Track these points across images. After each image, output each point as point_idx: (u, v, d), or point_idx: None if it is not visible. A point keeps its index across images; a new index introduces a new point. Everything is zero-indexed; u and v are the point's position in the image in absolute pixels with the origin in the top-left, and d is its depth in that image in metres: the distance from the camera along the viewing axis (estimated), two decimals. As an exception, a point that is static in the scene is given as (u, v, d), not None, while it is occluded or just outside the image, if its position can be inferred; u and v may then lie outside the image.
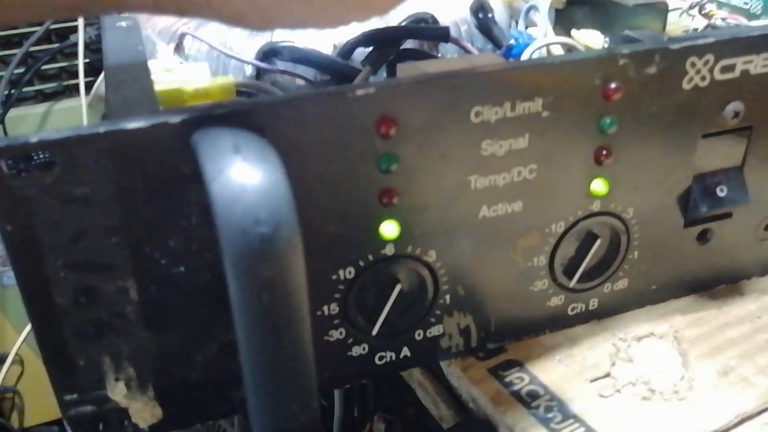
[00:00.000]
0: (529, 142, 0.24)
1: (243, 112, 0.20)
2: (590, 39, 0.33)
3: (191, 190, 0.21)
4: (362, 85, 0.21)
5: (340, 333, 0.25)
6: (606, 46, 0.31)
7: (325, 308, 0.24)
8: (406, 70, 0.27)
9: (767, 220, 0.30)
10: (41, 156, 0.19)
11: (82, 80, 0.72)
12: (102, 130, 0.19)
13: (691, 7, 0.33)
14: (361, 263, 0.24)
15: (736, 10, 0.33)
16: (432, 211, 0.24)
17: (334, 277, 0.24)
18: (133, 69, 0.25)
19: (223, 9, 0.20)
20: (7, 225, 0.19)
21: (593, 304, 0.28)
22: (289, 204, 0.18)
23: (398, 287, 0.25)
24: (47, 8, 0.21)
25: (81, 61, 0.72)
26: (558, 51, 0.32)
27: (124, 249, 0.21)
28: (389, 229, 0.24)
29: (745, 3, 0.33)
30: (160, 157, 0.20)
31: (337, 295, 0.24)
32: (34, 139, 0.19)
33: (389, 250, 0.24)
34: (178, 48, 0.32)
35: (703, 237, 0.29)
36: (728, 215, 0.29)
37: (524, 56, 0.31)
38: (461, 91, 0.22)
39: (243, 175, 0.18)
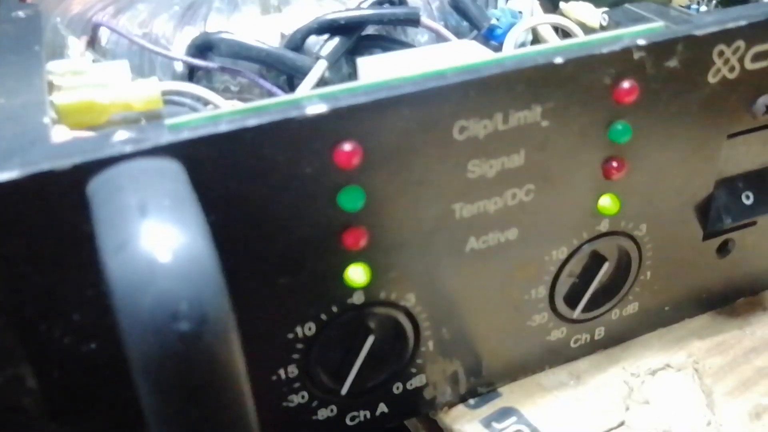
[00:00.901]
0: (526, 159, 0.19)
1: (159, 149, 0.15)
2: (585, 14, 0.28)
3: (95, 251, 0.16)
4: (314, 102, 0.16)
5: (302, 397, 0.21)
6: (604, 24, 0.26)
7: (282, 372, 0.20)
8: (369, 68, 0.22)
9: (793, 223, 0.26)
10: None
11: None
12: (-38, 186, 0.14)
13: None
14: (323, 317, 0.19)
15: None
16: (409, 249, 0.19)
17: (291, 335, 0.19)
18: (20, 81, 0.20)
19: None
20: None
21: (599, 333, 0.24)
22: (217, 283, 0.13)
23: (370, 339, 0.20)
24: None
25: None
26: (548, 32, 0.27)
27: (13, 331, 0.16)
28: (357, 274, 0.19)
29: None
30: (48, 215, 0.15)
31: (295, 356, 0.20)
32: None
33: (357, 299, 0.20)
34: (92, 42, 0.26)
35: (723, 249, 0.25)
36: (753, 223, 0.25)
37: (508, 40, 0.26)
38: (441, 103, 0.18)
39: (152, 248, 0.13)
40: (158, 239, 0.13)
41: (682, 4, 0.29)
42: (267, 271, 0.18)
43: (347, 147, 0.17)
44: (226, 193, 0.17)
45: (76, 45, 0.26)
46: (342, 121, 0.17)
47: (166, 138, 0.16)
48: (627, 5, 0.27)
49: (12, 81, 0.20)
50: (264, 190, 0.17)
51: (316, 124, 0.17)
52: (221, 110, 0.19)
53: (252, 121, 0.16)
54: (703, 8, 0.29)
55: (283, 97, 0.19)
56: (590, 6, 0.28)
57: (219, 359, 0.13)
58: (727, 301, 0.27)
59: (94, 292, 0.16)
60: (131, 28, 0.26)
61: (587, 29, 0.28)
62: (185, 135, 0.16)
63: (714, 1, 0.28)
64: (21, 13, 0.25)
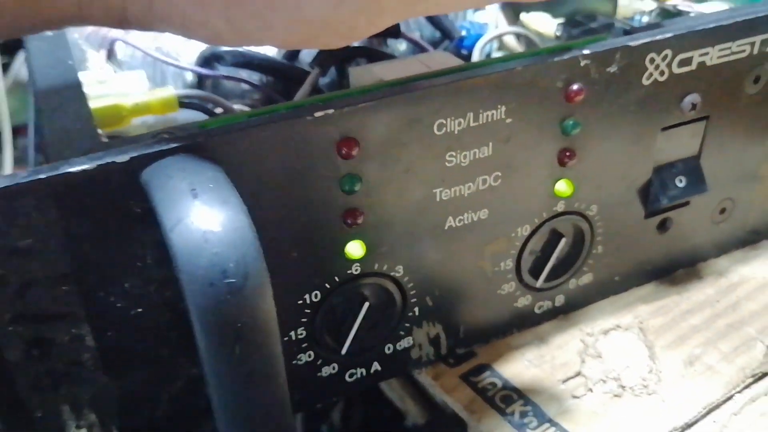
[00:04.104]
0: (493, 150, 0.23)
1: (195, 144, 0.19)
2: (541, 24, 0.32)
3: (144, 230, 0.19)
4: (320, 106, 0.20)
5: (309, 356, 0.24)
6: (558, 34, 0.30)
7: (293, 333, 0.24)
8: (359, 75, 0.26)
9: (722, 203, 0.30)
10: (-23, 210, 0.17)
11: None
12: (44, 176, 0.18)
13: (642, -9, 0.32)
14: (328, 285, 0.23)
15: (684, -10, 0.33)
16: (398, 227, 0.23)
17: (300, 301, 0.23)
18: (66, 90, 0.23)
19: (198, 30, 0.19)
20: (-55, 285, 0.18)
21: (559, 300, 0.28)
22: (256, 248, 0.17)
23: (366, 305, 0.24)
24: None
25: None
26: (511, 40, 0.31)
27: (77, 296, 0.20)
28: (355, 248, 0.23)
29: (694, -16, 0.33)
30: (108, 199, 0.19)
31: (304, 319, 0.23)
32: (-33, 193, 0.17)
33: (355, 270, 0.23)
34: (110, 55, 0.29)
35: (662, 226, 0.29)
36: (686, 203, 0.29)
37: (477, 48, 0.30)
38: (423, 104, 0.21)
39: (204, 222, 0.16)
40: (209, 215, 0.17)
41: (627, 16, 0.33)
42: (282, 247, 0.22)
43: (348, 141, 0.21)
44: (250, 179, 0.20)
45: (95, 58, 0.29)
46: (343, 120, 0.20)
47: (202, 135, 0.19)
48: (577, 17, 0.31)
49: (59, 92, 0.23)
50: (280, 178, 0.21)
51: (323, 123, 0.20)
52: (240, 113, 0.22)
53: (271, 122, 0.20)
54: (645, 18, 0.33)
55: (294, 101, 0.23)
56: (547, 17, 0.33)
57: (258, 306, 0.17)
58: (668, 271, 0.31)
59: (143, 263, 0.20)
60: (144, 42, 0.30)
61: (544, 38, 0.32)
62: (217, 132, 0.19)
63: (654, 13, 0.32)
64: (48, 32, 0.28)
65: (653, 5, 0.32)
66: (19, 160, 0.95)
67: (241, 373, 0.17)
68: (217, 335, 0.17)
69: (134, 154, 0.18)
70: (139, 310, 0.21)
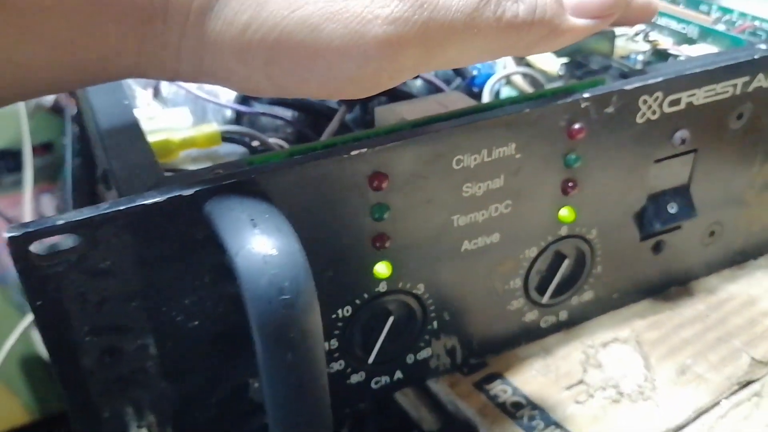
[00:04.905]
0: (504, 182, 0.26)
1: (249, 179, 0.22)
2: (545, 63, 0.35)
3: (204, 254, 0.22)
4: (355, 145, 0.23)
5: (340, 364, 0.27)
6: (561, 73, 0.33)
7: (326, 344, 0.26)
8: (383, 114, 0.29)
9: (711, 227, 0.33)
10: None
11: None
12: (123, 207, 0.21)
13: (636, 34, 0.36)
14: (358, 302, 0.26)
15: (674, 34, 0.36)
16: (420, 250, 0.26)
17: (334, 316, 0.26)
18: (126, 128, 0.26)
19: (242, 84, 0.22)
20: (37, 300, 0.21)
21: (563, 315, 0.31)
22: (306, 270, 0.20)
23: (391, 319, 0.27)
24: (54, 82, 0.22)
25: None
26: (518, 79, 0.34)
27: (143, 311, 0.22)
28: (382, 269, 0.26)
29: (683, 29, 0.36)
30: (175, 227, 0.22)
31: (336, 332, 0.26)
32: (60, 222, 0.20)
33: (382, 288, 0.26)
34: (156, 93, 0.32)
35: (657, 248, 0.32)
36: (678, 227, 0.32)
37: (487, 87, 0.33)
38: (444, 142, 0.24)
39: (263, 248, 0.19)
40: (267, 241, 0.19)
41: (624, 55, 0.36)
42: (319, 267, 0.24)
43: (379, 175, 0.24)
44: (293, 209, 0.23)
45: (143, 96, 0.32)
46: (375, 157, 0.23)
47: (254, 171, 0.22)
48: (578, 58, 0.34)
49: (120, 131, 0.26)
50: (318, 207, 0.24)
51: (357, 160, 0.23)
52: (281, 150, 0.25)
53: (312, 159, 0.23)
54: (640, 57, 0.36)
55: (330, 139, 0.26)
56: (551, 56, 0.36)
57: (307, 319, 0.20)
58: (662, 289, 0.34)
59: (201, 282, 0.23)
60: (187, 84, 0.33)
61: (548, 76, 0.35)
62: (265, 168, 0.22)
63: (647, 54, 0.35)
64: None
65: (647, 47, 0.35)
66: (37, 178, 0.97)
67: (292, 376, 0.20)
68: (274, 344, 0.20)
69: (198, 189, 0.21)
70: (196, 323, 0.23)
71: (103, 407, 0.24)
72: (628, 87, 0.27)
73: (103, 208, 0.21)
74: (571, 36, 0.23)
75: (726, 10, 0.37)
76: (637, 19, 0.28)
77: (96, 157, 0.61)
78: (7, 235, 0.20)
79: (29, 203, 0.92)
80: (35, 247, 0.20)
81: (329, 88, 0.22)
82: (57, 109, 0.88)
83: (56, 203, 1.01)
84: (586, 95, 0.26)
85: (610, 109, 0.27)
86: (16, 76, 0.21)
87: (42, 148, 0.93)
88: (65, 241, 0.21)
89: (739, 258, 0.35)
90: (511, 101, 0.27)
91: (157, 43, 0.21)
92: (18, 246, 0.20)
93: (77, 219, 0.20)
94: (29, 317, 0.87)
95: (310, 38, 0.20)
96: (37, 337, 0.93)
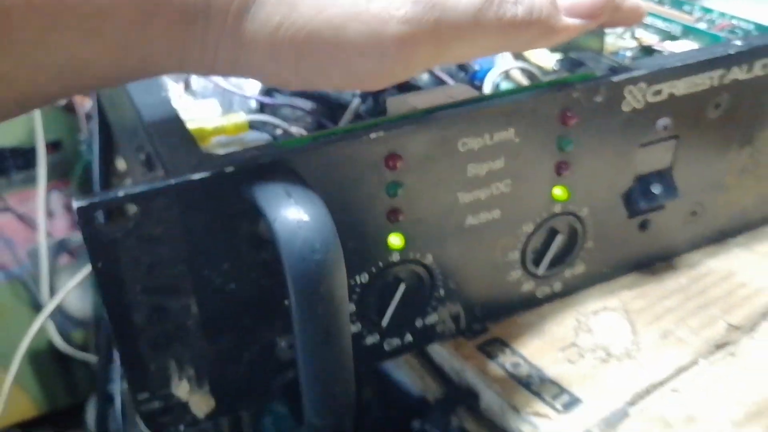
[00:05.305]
0: (504, 163, 0.29)
1: (283, 158, 0.25)
2: (542, 59, 0.38)
3: (241, 224, 0.25)
4: (374, 129, 0.26)
5: (357, 327, 0.30)
6: (555, 68, 0.36)
7: (346, 308, 0.30)
8: (396, 105, 0.32)
9: (693, 207, 0.36)
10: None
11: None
12: (173, 182, 0.24)
13: (624, 32, 0.39)
14: (373, 269, 0.29)
15: (659, 32, 0.39)
16: (429, 223, 0.29)
17: (352, 282, 0.29)
18: (168, 118, 0.29)
19: (272, 78, 0.25)
20: (99, 262, 0.24)
21: (557, 286, 0.34)
22: (334, 234, 0.23)
23: (402, 286, 0.30)
24: (109, 77, 0.25)
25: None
26: (516, 73, 0.37)
27: (187, 274, 0.26)
28: (395, 240, 0.29)
29: (667, 27, 0.39)
30: (217, 200, 0.25)
31: (354, 297, 0.29)
32: (120, 194, 0.23)
33: (395, 257, 0.29)
34: (187, 86, 0.36)
35: (643, 226, 0.35)
36: (662, 207, 0.35)
37: (487, 80, 0.36)
38: (451, 127, 0.28)
39: (297, 215, 0.23)
40: (300, 209, 0.23)
41: (613, 51, 0.39)
42: (341, 237, 0.27)
43: (394, 156, 0.27)
44: (318, 185, 0.26)
45: (175, 88, 0.35)
46: (390, 140, 0.27)
47: (286, 152, 0.25)
48: (571, 54, 0.37)
49: (163, 120, 0.29)
50: (340, 184, 0.27)
51: (375, 143, 0.26)
52: (307, 135, 0.28)
53: (336, 141, 0.26)
54: (628, 53, 0.39)
55: (351, 125, 0.29)
56: (546, 52, 0.39)
57: (335, 275, 0.23)
58: (648, 263, 0.37)
59: (237, 250, 0.26)
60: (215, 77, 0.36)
61: (543, 71, 0.38)
62: (295, 149, 0.26)
63: (634, 50, 0.39)
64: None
65: (634, 43, 0.38)
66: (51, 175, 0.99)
67: (321, 324, 0.23)
68: (306, 296, 0.23)
69: (238, 166, 0.24)
70: (233, 286, 0.27)
71: (150, 360, 0.27)
72: (614, 79, 0.30)
73: (157, 183, 0.24)
74: (566, 34, 0.26)
75: (707, 10, 0.40)
76: (627, 21, 0.31)
77: (117, 147, 0.64)
78: (76, 205, 0.23)
79: (43, 199, 0.95)
80: (100, 216, 0.23)
81: (351, 80, 0.25)
82: (69, 108, 0.91)
83: (64, 201, 1.04)
84: (577, 86, 0.29)
85: (598, 99, 0.30)
86: (78, 71, 0.24)
87: (51, 147, 0.96)
88: (122, 211, 0.24)
89: (719, 236, 0.38)
90: (511, 92, 0.30)
91: (199, 42, 0.24)
92: (85, 214, 0.23)
93: (135, 192, 0.23)
94: (43, 314, 0.91)
95: (334, 37, 0.23)
96: (52, 330, 0.96)
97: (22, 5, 0.21)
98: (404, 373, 0.41)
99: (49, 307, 0.88)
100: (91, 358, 0.95)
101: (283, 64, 0.24)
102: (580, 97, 0.29)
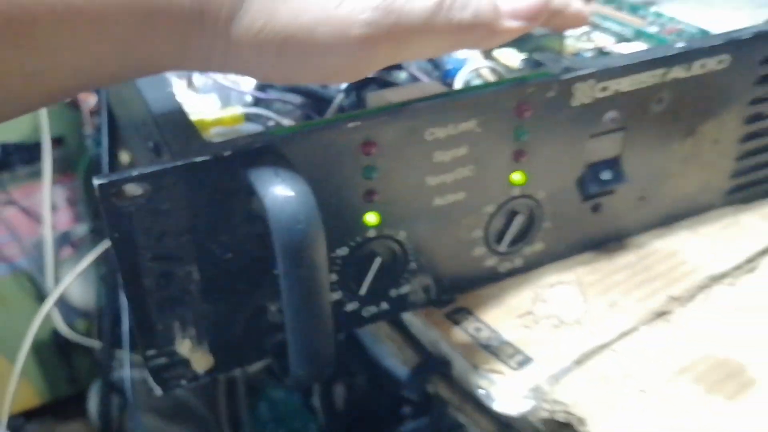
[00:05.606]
0: (467, 150, 0.34)
1: (273, 144, 0.29)
2: (509, 58, 0.42)
3: (237, 200, 0.30)
4: (352, 119, 0.30)
5: (338, 294, 0.35)
6: (520, 67, 0.41)
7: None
8: (375, 99, 0.36)
9: (641, 192, 0.40)
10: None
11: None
12: (180, 163, 0.28)
13: (582, 35, 0.43)
14: (352, 244, 0.33)
15: (615, 35, 0.43)
16: (401, 204, 0.33)
17: (333, 255, 0.33)
18: (174, 111, 0.34)
19: (257, 74, 0.29)
20: (115, 233, 0.28)
21: (518, 262, 0.39)
22: (315, 209, 0.27)
23: (378, 259, 0.34)
24: (116, 74, 0.29)
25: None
26: (485, 71, 0.42)
27: (191, 244, 0.30)
28: (371, 218, 0.33)
29: (621, 30, 0.43)
30: (216, 179, 0.29)
31: (336, 268, 0.34)
32: (135, 173, 0.27)
33: (371, 233, 0.33)
34: (189, 83, 0.40)
35: (595, 208, 0.39)
36: (612, 192, 0.39)
37: (458, 77, 0.41)
38: (419, 118, 0.32)
39: (285, 192, 0.27)
40: (287, 187, 0.27)
41: (573, 52, 0.44)
42: (323, 214, 0.32)
43: (369, 143, 0.31)
44: (304, 168, 0.30)
45: (178, 84, 0.40)
46: (366, 129, 0.31)
47: (276, 139, 0.29)
48: (534, 54, 0.41)
49: (170, 112, 0.33)
50: (323, 167, 0.31)
51: (353, 131, 0.31)
52: (295, 125, 0.33)
53: (319, 129, 0.30)
54: (587, 54, 0.44)
55: (333, 117, 0.33)
56: (514, 52, 0.43)
57: (316, 244, 0.27)
58: (601, 243, 0.41)
59: (234, 223, 0.30)
60: (215, 75, 0.40)
61: (510, 69, 0.42)
62: (284, 137, 0.30)
63: (591, 52, 0.43)
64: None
65: (591, 45, 0.42)
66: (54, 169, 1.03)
67: (304, 286, 0.27)
68: (291, 261, 0.27)
69: (235, 150, 0.29)
70: (230, 255, 0.31)
71: (157, 320, 0.31)
72: (565, 77, 0.34)
73: (165, 163, 0.28)
74: (507, 35, 0.31)
75: (659, 15, 0.44)
76: (571, 25, 0.35)
77: (122, 140, 0.68)
78: (97, 182, 0.27)
79: (48, 192, 0.99)
80: (116, 192, 0.27)
81: (323, 75, 0.29)
82: (73, 105, 0.95)
83: (67, 194, 1.08)
84: (531, 83, 0.34)
85: (551, 94, 0.34)
86: (92, 69, 0.27)
87: (54, 142, 1.00)
88: (136, 188, 0.28)
89: (666, 219, 0.43)
90: (473, 88, 0.34)
91: (195, 43, 0.28)
92: (105, 191, 0.27)
93: (147, 171, 0.27)
94: (47, 303, 0.94)
95: (308, 39, 0.27)
96: (57, 319, 1.00)
97: (46, 12, 0.25)
98: (389, 353, 0.45)
99: (54, 296, 0.92)
100: (95, 343, 0.99)
101: (265, 61, 0.28)
102: (534, 92, 0.34)
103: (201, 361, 0.33)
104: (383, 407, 0.69)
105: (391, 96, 0.35)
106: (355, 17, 0.27)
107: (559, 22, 0.33)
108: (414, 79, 0.41)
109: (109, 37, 0.26)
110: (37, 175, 1.01)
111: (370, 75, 0.29)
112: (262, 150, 0.29)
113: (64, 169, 1.04)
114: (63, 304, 1.01)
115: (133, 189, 0.28)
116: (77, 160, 1.02)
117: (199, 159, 0.28)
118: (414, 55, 0.30)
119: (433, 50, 0.30)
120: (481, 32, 0.30)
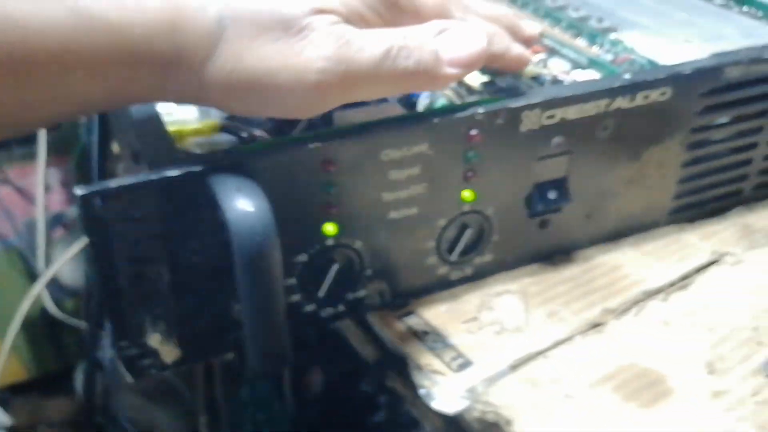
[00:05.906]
0: (420, 170, 0.37)
1: (239, 161, 0.32)
2: (472, 79, 0.45)
3: (205, 211, 0.33)
4: (313, 140, 0.34)
5: (298, 297, 0.38)
6: (480, 89, 0.44)
7: (288, 281, 0.37)
8: (340, 117, 0.39)
9: (587, 210, 0.44)
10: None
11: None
12: (154, 177, 0.31)
13: (539, 61, 0.46)
14: (311, 251, 0.37)
15: (570, 61, 0.46)
16: (358, 216, 0.37)
17: (294, 260, 0.36)
18: (153, 121, 0.37)
19: (225, 108, 0.33)
20: (94, 237, 0.31)
21: (468, 271, 0.42)
22: (272, 223, 0.30)
23: (336, 266, 0.37)
24: (100, 105, 0.32)
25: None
26: (449, 92, 0.45)
27: (162, 249, 0.33)
28: (330, 228, 0.36)
29: (577, 57, 0.46)
30: (185, 191, 0.32)
31: (296, 273, 0.37)
32: (113, 185, 0.30)
33: (330, 242, 0.37)
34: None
35: (543, 224, 0.43)
36: (559, 210, 0.42)
37: (421, 101, 0.44)
38: (376, 140, 0.35)
39: (245, 206, 0.30)
40: (247, 202, 0.30)
41: (533, 75, 0.47)
42: (286, 224, 0.35)
43: (329, 162, 0.34)
44: (266, 183, 0.33)
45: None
46: (326, 149, 0.34)
47: (241, 156, 0.33)
48: (496, 79, 0.44)
49: (148, 122, 0.36)
50: (285, 183, 0.34)
51: (314, 151, 0.34)
52: (261, 141, 0.36)
53: (282, 149, 0.33)
54: (549, 77, 0.46)
55: (296, 136, 0.36)
56: (477, 74, 0.46)
57: (271, 254, 0.30)
58: (549, 256, 0.44)
59: (200, 231, 0.33)
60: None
61: (472, 90, 0.45)
62: (249, 154, 0.33)
63: (548, 78, 0.46)
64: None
65: (546, 72, 0.46)
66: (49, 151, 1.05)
67: (259, 291, 0.31)
68: (249, 271, 0.30)
69: (204, 166, 0.32)
70: (198, 258, 0.34)
71: (130, 315, 0.34)
72: (512, 105, 0.37)
73: (140, 178, 0.31)
74: (448, 81, 0.34)
75: (614, 44, 0.47)
76: (513, 68, 0.39)
77: (118, 139, 0.71)
78: (78, 192, 0.30)
79: (42, 174, 1.01)
80: (98, 200, 0.30)
81: (282, 112, 0.33)
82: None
83: (61, 177, 1.11)
84: (480, 110, 0.37)
85: (499, 120, 0.37)
86: (82, 102, 0.31)
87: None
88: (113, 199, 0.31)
89: (612, 235, 0.46)
90: (426, 113, 0.37)
91: (173, 81, 0.31)
92: (85, 200, 0.30)
93: (124, 184, 0.31)
94: (39, 282, 0.98)
95: (270, 81, 0.31)
96: (46, 298, 1.03)
97: (46, 56, 0.28)
98: (353, 341, 0.48)
99: (46, 276, 0.95)
100: (82, 324, 1.02)
101: (234, 98, 0.32)
102: (483, 119, 0.37)
103: (169, 352, 0.36)
104: (361, 396, 0.73)
105: (354, 116, 0.38)
106: (311, 65, 0.30)
107: (501, 64, 0.37)
108: (381, 98, 0.44)
109: (99, 77, 0.30)
110: (32, 155, 1.04)
111: (325, 111, 0.33)
112: (228, 166, 0.32)
113: (58, 151, 1.07)
114: (53, 283, 1.05)
115: (111, 198, 0.31)
116: (72, 143, 1.05)
117: (171, 173, 0.31)
118: (363, 97, 0.33)
119: (381, 93, 0.33)
120: (423, 79, 0.33)
